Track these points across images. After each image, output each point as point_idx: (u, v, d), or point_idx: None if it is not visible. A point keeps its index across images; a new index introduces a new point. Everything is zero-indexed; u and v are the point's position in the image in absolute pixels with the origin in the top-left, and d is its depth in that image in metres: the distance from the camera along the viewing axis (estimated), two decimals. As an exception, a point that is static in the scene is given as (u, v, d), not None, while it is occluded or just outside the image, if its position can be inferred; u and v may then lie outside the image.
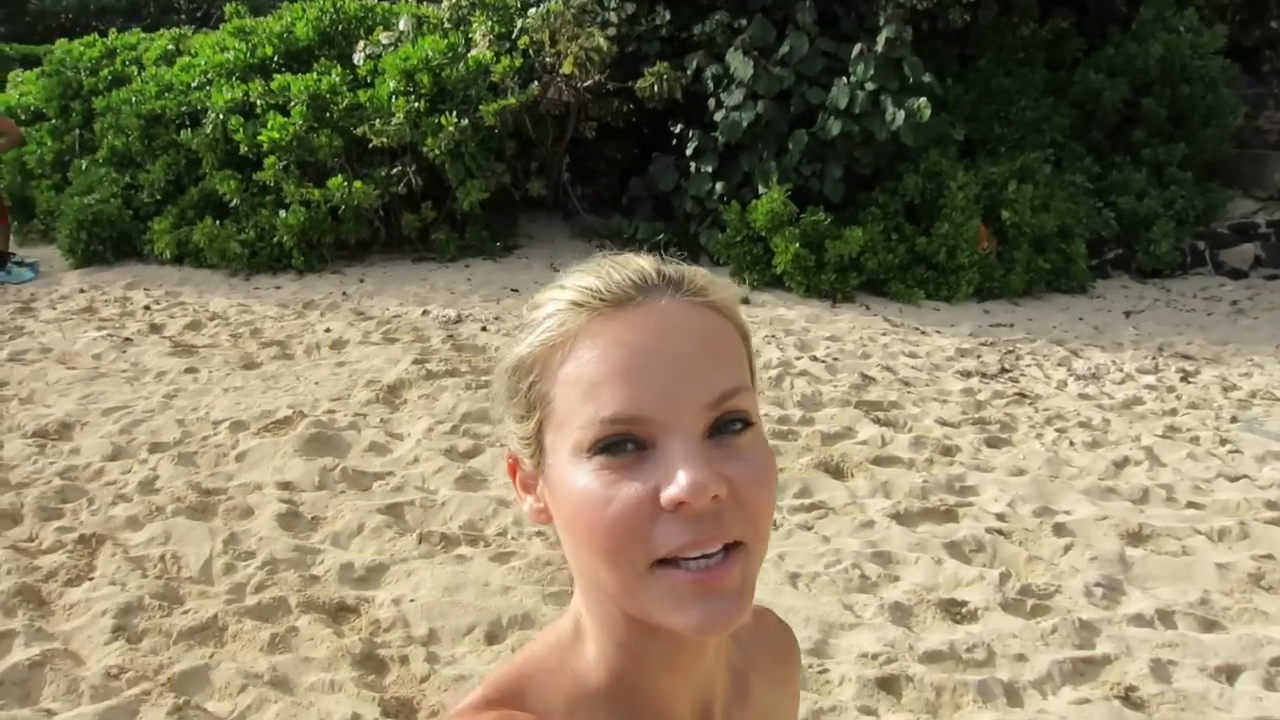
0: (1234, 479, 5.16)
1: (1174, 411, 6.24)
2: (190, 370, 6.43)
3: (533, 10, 9.87)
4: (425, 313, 7.53)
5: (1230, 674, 3.52)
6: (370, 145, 9.09)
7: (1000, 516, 4.64)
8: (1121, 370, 7.09)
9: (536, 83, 9.49)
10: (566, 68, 8.87)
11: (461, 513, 4.46)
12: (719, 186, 8.94)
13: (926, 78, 8.67)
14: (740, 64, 9.02)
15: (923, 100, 8.30)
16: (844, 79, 8.79)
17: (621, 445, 0.70)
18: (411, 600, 3.72)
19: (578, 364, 0.72)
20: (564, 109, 9.72)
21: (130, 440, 5.28)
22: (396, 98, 9.10)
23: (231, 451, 5.13)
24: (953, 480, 5.02)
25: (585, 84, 9.45)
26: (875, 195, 8.98)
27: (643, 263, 0.77)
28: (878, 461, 5.21)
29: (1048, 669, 3.48)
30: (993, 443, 5.60)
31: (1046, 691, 3.40)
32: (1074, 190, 10.63)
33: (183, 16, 24.58)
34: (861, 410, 5.91)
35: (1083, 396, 6.43)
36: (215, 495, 4.63)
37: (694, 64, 9.40)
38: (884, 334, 7.54)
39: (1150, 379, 6.90)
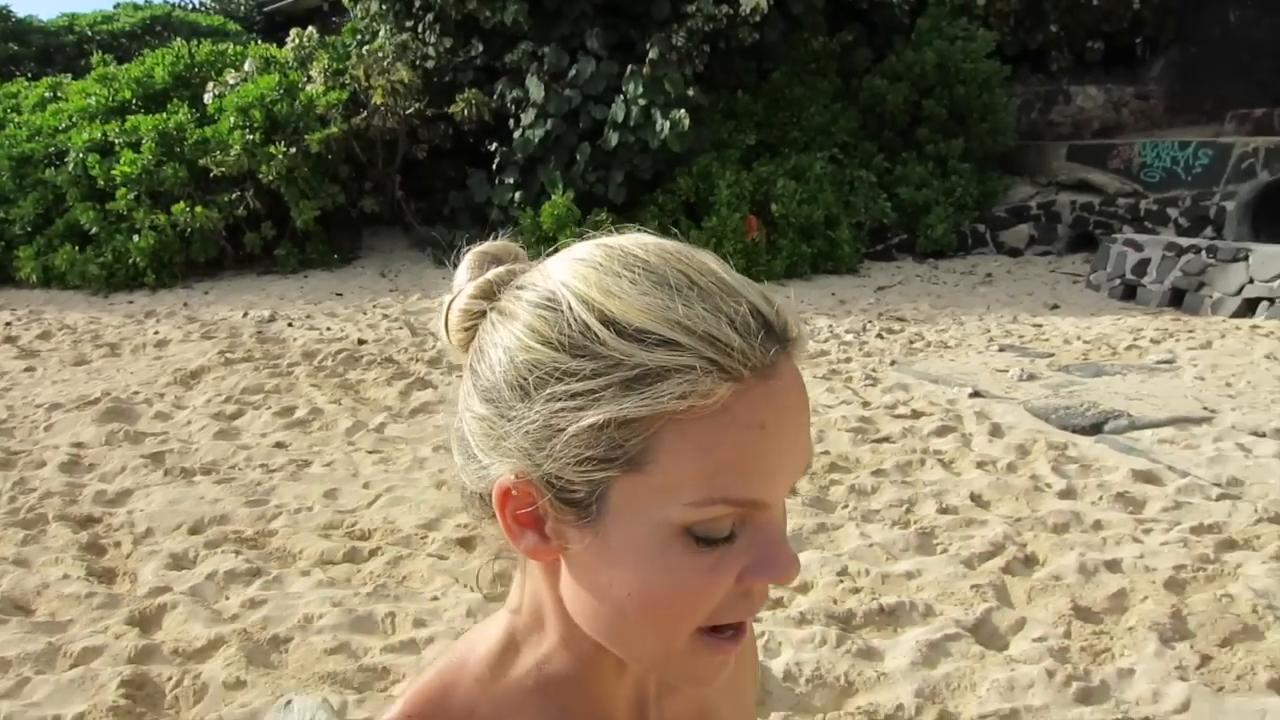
0: (850, 403, 6.53)
1: (848, 360, 7.63)
2: (29, 369, 7.63)
3: (364, 49, 11.18)
4: (245, 315, 8.77)
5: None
6: (212, 175, 10.33)
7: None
8: (831, 331, 8.48)
9: (364, 112, 10.80)
10: (377, 98, 10.18)
11: (209, 455, 5.71)
12: (518, 196, 10.27)
13: (691, 91, 10.05)
14: (535, 87, 10.38)
15: (681, 112, 9.69)
16: (620, 96, 10.17)
17: (724, 534, 0.62)
18: (142, 510, 4.97)
19: (708, 441, 0.59)
20: (393, 135, 11.03)
21: (-37, 421, 6.48)
22: (234, 131, 10.36)
23: (43, 424, 6.35)
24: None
25: (407, 111, 10.77)
26: (656, 196, 10.36)
27: (750, 296, 0.63)
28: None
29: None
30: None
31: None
32: (859, 184, 12.11)
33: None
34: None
35: (778, 352, 7.80)
36: (20, 454, 5.84)
37: (499, 89, 10.74)
38: (641, 313, 8.89)
39: (849, 336, 8.30)
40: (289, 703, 3.18)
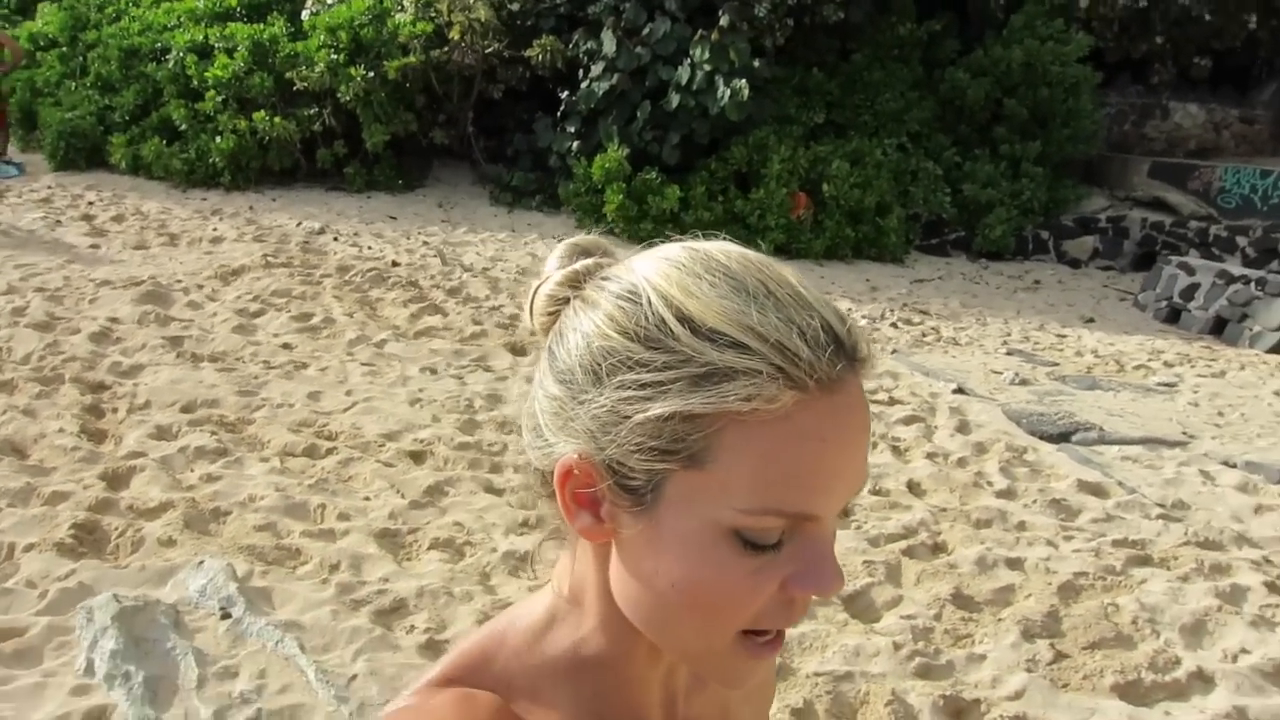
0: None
1: (853, 343, 7.75)
2: (94, 246, 8.27)
3: (455, -18, 11.53)
4: (299, 224, 9.29)
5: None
6: (295, 88, 10.85)
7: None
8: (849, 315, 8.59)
9: (446, 46, 11.17)
10: (454, 34, 10.53)
11: (221, 345, 6.21)
12: (576, 145, 10.55)
13: (756, 63, 10.15)
14: (608, 41, 10.60)
15: (742, 82, 9.81)
16: (688, 59, 10.32)
17: (774, 541, 0.64)
18: (146, 385, 5.47)
19: (769, 447, 0.62)
20: (471, 71, 11.39)
21: (23, 283, 7.13)
22: (321, 50, 10.85)
23: (89, 297, 6.94)
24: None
25: (488, 50, 11.11)
26: (709, 162, 10.52)
27: (823, 312, 0.66)
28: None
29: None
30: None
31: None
32: (922, 175, 12.04)
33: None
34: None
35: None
36: (61, 320, 6.43)
37: (576, 39, 10.99)
38: (670, 272, 9.14)
39: (864, 322, 8.40)
40: (201, 563, 3.60)
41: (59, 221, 8.98)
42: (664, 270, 0.66)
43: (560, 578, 0.76)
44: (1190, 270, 10.20)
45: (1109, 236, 12.86)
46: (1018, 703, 3.41)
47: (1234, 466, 5.74)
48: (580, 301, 0.69)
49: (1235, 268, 10.07)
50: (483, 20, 10.53)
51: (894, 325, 8.46)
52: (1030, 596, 4.08)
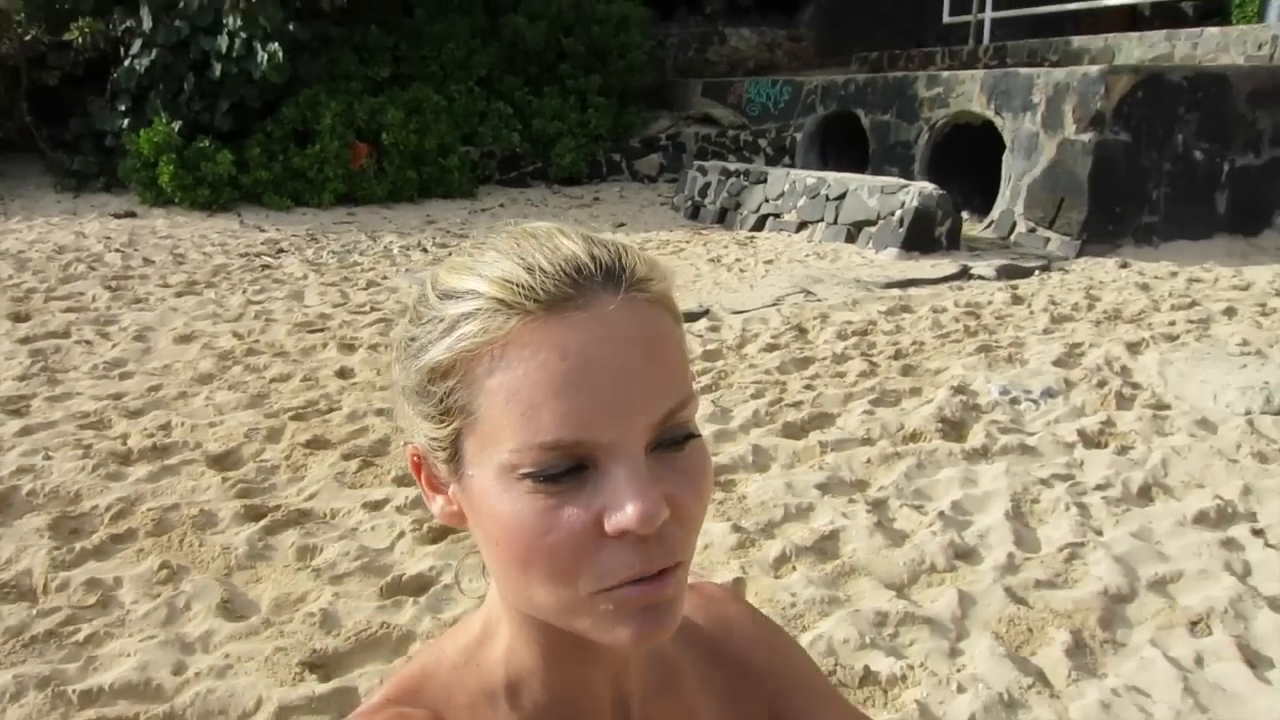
0: (335, 303, 7.66)
1: (360, 266, 8.77)
2: None
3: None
4: None
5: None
6: None
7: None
8: (381, 244, 9.62)
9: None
10: (-26, 26, 10.56)
11: None
12: (127, 123, 10.92)
13: (292, 26, 10.86)
14: (146, 17, 10.97)
15: (275, 45, 10.50)
16: (225, 28, 10.89)
17: (559, 470, 0.60)
18: None
19: (510, 377, 0.60)
20: (13, 60, 11.40)
21: None
22: None
23: None
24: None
25: (25, 37, 11.16)
26: (265, 125, 11.19)
27: (573, 246, 0.64)
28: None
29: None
30: (122, 301, 7.93)
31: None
32: (491, 115, 13.22)
33: None
34: (103, 283, 8.12)
35: (309, 262, 8.87)
36: None
37: (114, 18, 11.26)
38: (221, 233, 9.81)
39: (396, 250, 9.45)
40: None
41: None
42: (451, 257, 0.69)
43: (488, 594, 0.75)
44: (705, 172, 11.95)
45: (670, 152, 14.60)
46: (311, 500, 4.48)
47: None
48: None
49: (732, 164, 11.91)
50: (2, 8, 10.62)
51: (423, 250, 9.57)
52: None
